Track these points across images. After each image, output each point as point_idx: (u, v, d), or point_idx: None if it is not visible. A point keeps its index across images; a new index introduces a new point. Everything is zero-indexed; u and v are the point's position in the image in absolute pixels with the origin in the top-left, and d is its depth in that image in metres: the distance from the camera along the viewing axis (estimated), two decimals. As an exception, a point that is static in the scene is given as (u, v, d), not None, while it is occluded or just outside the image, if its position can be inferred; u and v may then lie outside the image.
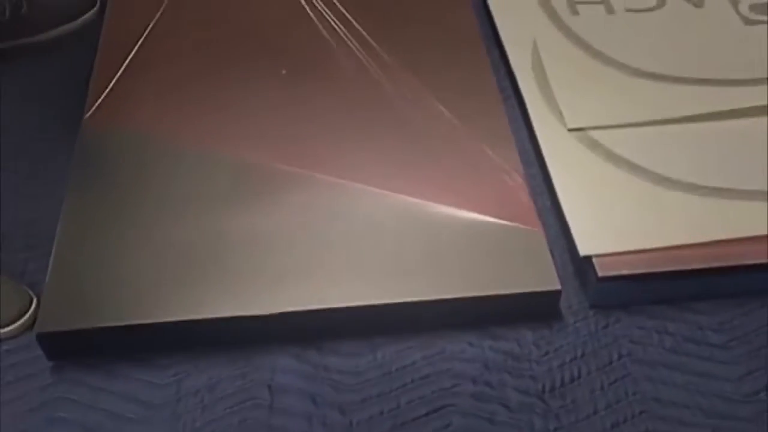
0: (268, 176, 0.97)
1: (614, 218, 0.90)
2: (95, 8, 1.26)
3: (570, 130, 1.00)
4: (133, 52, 1.14)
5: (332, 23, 1.18)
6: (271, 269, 0.86)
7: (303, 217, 0.92)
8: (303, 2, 1.22)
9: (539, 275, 0.85)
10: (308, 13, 1.21)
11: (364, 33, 1.16)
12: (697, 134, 0.99)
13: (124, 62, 1.13)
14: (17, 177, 1.04)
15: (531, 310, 0.86)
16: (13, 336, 0.86)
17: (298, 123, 1.06)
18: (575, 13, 1.17)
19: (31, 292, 0.88)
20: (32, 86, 1.18)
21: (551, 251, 0.90)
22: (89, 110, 1.07)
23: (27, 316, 0.86)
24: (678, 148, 0.97)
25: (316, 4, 1.22)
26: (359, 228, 0.91)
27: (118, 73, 1.11)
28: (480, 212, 0.92)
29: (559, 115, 1.02)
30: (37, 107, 1.14)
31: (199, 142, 1.01)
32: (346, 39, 1.16)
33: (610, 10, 1.17)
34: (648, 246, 0.86)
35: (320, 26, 1.18)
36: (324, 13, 1.20)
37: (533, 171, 1.02)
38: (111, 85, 1.10)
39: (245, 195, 0.95)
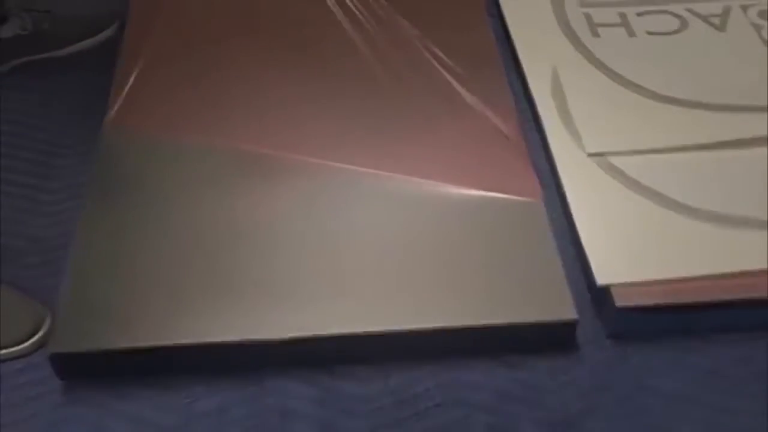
0: (269, 164, 0.99)
1: (633, 246, 0.88)
2: (115, 24, 1.27)
3: (589, 155, 0.99)
4: (148, 53, 1.15)
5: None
6: (286, 292, 0.86)
7: (309, 212, 0.93)
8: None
9: (555, 304, 0.84)
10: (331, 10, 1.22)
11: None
12: (720, 161, 0.97)
13: (141, 64, 1.14)
14: (35, 191, 1.05)
15: (547, 338, 0.85)
16: (25, 354, 0.86)
17: (305, 109, 1.06)
18: (596, 35, 1.16)
19: (45, 310, 0.89)
20: (52, 100, 1.19)
21: (568, 278, 0.89)
22: (110, 111, 1.08)
23: (41, 334, 0.87)
24: (700, 176, 0.96)
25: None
26: (370, 235, 0.91)
27: (135, 73, 1.12)
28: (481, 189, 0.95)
29: (578, 139, 1.01)
30: (57, 121, 1.16)
31: (219, 138, 1.02)
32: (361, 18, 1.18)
33: (631, 33, 1.16)
34: (668, 276, 0.85)
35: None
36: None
37: (550, 194, 1.01)
38: (130, 84, 1.11)
39: (255, 194, 0.95)
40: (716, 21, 1.17)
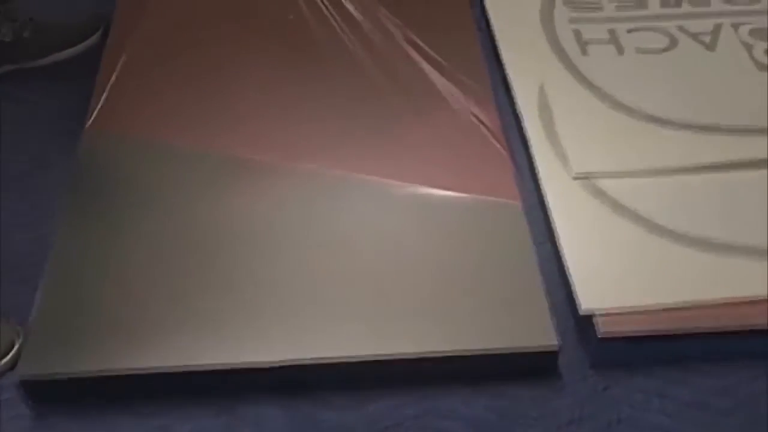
0: (251, 168, 0.98)
1: (618, 273, 0.87)
2: (99, 31, 1.25)
3: (575, 176, 0.97)
4: (123, 61, 1.14)
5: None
6: (262, 316, 0.84)
7: (287, 220, 0.93)
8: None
9: (537, 331, 0.82)
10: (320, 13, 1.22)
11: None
12: (709, 185, 0.96)
13: (120, 69, 1.13)
14: (15, 205, 1.03)
15: (528, 366, 0.83)
16: (-4, 375, 0.84)
17: (286, 112, 1.07)
18: (585, 53, 1.14)
19: (18, 329, 0.86)
20: (34, 111, 1.17)
21: (551, 301, 0.87)
22: (89, 118, 1.07)
23: (10, 355, 0.84)
24: (688, 200, 0.94)
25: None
26: (346, 248, 0.90)
27: (113, 78, 1.11)
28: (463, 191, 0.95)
29: (565, 161, 0.99)
30: (39, 133, 1.13)
31: (198, 144, 1.02)
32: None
33: (620, 51, 1.15)
34: (653, 304, 0.83)
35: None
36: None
37: (536, 215, 0.99)
38: (108, 89, 1.10)
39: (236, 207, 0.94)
40: (706, 39, 1.15)
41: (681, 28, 1.17)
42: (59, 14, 1.25)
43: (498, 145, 1.02)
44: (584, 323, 0.85)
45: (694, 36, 1.16)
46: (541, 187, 0.97)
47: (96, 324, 0.83)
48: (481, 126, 1.04)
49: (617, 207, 0.93)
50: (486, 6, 1.24)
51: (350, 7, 1.22)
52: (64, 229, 0.93)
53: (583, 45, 1.15)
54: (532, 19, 1.19)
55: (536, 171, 0.99)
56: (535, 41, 1.16)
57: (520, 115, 1.06)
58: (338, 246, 0.91)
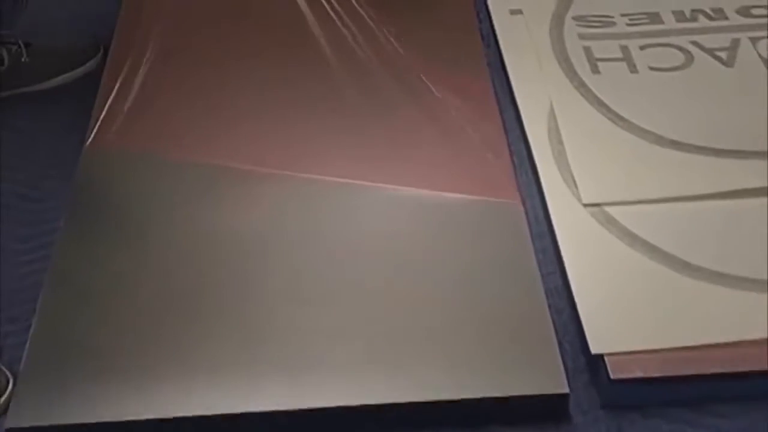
0: (250, 179, 0.98)
1: (629, 310, 0.83)
2: (98, 55, 1.23)
3: (585, 205, 0.93)
4: (123, 77, 1.13)
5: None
6: (258, 360, 0.81)
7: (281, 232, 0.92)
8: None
9: (546, 376, 0.79)
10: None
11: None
12: (727, 213, 0.91)
13: (119, 88, 1.12)
14: (9, 240, 1.00)
15: (537, 410, 0.79)
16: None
17: (292, 123, 1.07)
18: (596, 71, 1.10)
19: (8, 373, 0.84)
20: (31, 138, 1.15)
21: (560, 339, 0.83)
22: (89, 136, 1.06)
23: (2, 400, 0.82)
24: (704, 230, 0.90)
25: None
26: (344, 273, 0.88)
27: (111, 96, 1.10)
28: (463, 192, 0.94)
29: (574, 188, 0.95)
30: (36, 161, 1.11)
31: (201, 161, 1.01)
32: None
33: (633, 69, 1.10)
34: (666, 345, 0.79)
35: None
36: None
37: (545, 244, 0.96)
38: (107, 107, 1.09)
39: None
40: (723, 55, 1.11)
41: (696, 44, 1.13)
42: (56, 37, 1.24)
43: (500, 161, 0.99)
44: (595, 364, 0.81)
45: (711, 52, 1.12)
46: (550, 214, 0.94)
47: (88, 370, 0.80)
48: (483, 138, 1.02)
49: (629, 237, 0.89)
50: (494, 21, 1.20)
51: (349, 18, 1.20)
52: (58, 264, 0.91)
53: (594, 63, 1.11)
54: (541, 35, 1.16)
55: (544, 197, 0.95)
56: (545, 60, 1.12)
57: (528, 139, 1.02)
58: (339, 268, 0.89)
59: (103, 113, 1.08)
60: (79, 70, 1.20)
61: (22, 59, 1.17)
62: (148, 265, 0.90)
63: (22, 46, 1.17)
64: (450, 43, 1.16)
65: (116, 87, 1.12)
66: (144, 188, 1.00)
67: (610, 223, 0.91)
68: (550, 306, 0.87)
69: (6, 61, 1.15)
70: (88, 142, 1.06)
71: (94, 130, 1.06)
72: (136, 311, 0.85)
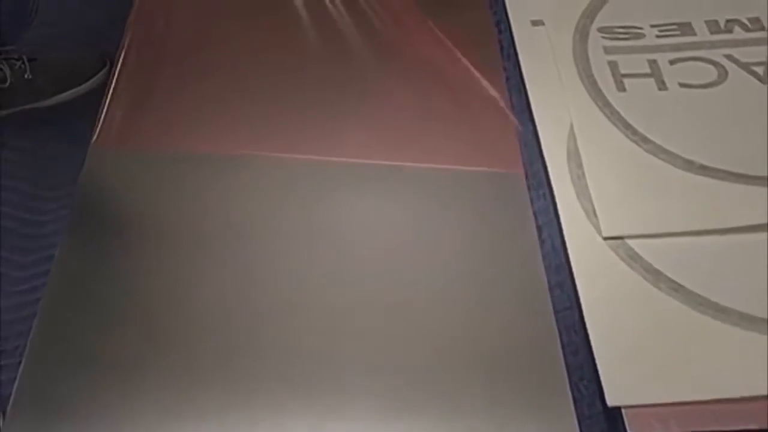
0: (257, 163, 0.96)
1: (652, 358, 0.76)
2: (104, 69, 1.20)
3: (606, 238, 0.87)
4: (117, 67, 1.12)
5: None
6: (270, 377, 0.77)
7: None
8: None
9: (557, 428, 0.73)
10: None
11: None
12: (762, 249, 0.84)
13: (127, 85, 1.10)
14: (5, 266, 0.98)
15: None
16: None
17: (295, 104, 1.05)
18: (622, 88, 1.03)
19: (-3, 413, 0.82)
20: (34, 157, 1.13)
21: (576, 382, 0.77)
22: (94, 136, 1.05)
23: (-13, 439, 0.80)
24: (736, 267, 0.83)
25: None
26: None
27: (110, 90, 1.08)
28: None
29: (594, 218, 0.89)
30: (41, 180, 1.09)
31: (211, 151, 0.99)
32: None
33: (661, 86, 1.03)
34: (691, 398, 0.73)
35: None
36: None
37: (562, 278, 0.89)
38: (107, 102, 1.07)
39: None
40: (760, 71, 1.02)
41: (731, 58, 1.05)
42: (64, 52, 1.21)
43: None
44: (612, 416, 0.75)
45: (746, 66, 1.03)
46: (567, 247, 0.87)
47: (80, 412, 0.76)
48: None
49: (653, 274, 0.83)
50: (513, 32, 1.14)
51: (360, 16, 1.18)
52: (53, 290, 0.87)
53: (619, 79, 1.04)
54: (563, 49, 1.08)
55: (561, 228, 0.89)
56: (566, 75, 1.05)
57: (545, 163, 0.96)
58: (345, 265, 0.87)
59: (108, 110, 1.06)
60: (84, 86, 1.18)
61: (26, 75, 1.14)
62: (151, 291, 0.87)
63: (26, 62, 1.14)
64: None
65: (123, 84, 1.10)
66: (153, 184, 0.97)
67: (632, 258, 0.84)
68: (565, 345, 0.82)
69: (9, 78, 1.13)
70: (93, 140, 1.04)
71: (99, 128, 1.04)
72: (134, 348, 0.81)
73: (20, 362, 0.82)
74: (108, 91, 1.10)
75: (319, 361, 0.80)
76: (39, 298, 0.92)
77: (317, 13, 1.19)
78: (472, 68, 1.10)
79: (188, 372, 0.79)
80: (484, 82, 1.08)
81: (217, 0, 1.23)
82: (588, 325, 0.80)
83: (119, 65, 1.15)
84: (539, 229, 0.93)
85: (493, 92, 1.06)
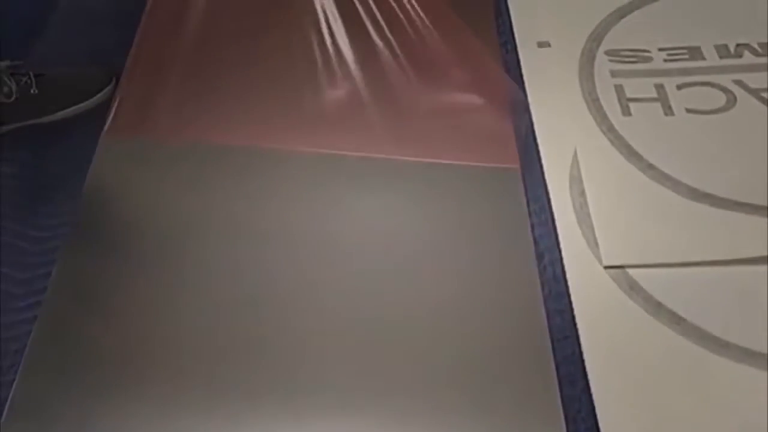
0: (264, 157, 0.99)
1: (650, 395, 0.74)
2: (110, 85, 1.20)
3: (606, 267, 0.85)
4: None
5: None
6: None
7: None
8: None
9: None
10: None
11: None
12: (764, 281, 0.82)
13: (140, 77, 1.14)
14: (4, 283, 0.98)
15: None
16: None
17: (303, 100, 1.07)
18: (627, 113, 1.01)
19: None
20: (38, 173, 1.13)
21: (573, 414, 0.76)
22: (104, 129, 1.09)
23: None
24: (741, 301, 0.81)
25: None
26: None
27: (130, 85, 1.11)
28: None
29: (595, 247, 0.87)
30: (32, 202, 1.09)
31: (224, 142, 1.01)
32: None
33: (668, 111, 1.01)
34: (688, 436, 0.71)
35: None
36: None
37: (562, 306, 0.88)
38: (119, 95, 1.11)
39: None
40: (769, 97, 1.01)
41: (740, 83, 1.03)
42: (66, 67, 1.21)
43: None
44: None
45: (755, 93, 1.02)
46: (567, 275, 0.86)
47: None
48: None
49: (653, 306, 0.81)
50: (519, 54, 1.13)
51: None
52: (50, 307, 0.87)
53: (625, 103, 1.03)
54: (569, 71, 1.07)
55: (561, 255, 0.87)
56: (571, 99, 1.03)
57: (547, 188, 0.95)
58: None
59: (120, 102, 1.10)
60: (89, 102, 1.17)
61: (32, 91, 1.14)
62: (152, 301, 0.86)
63: (32, 77, 1.14)
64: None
65: (137, 76, 1.14)
66: (163, 174, 0.99)
67: (633, 288, 0.83)
68: (562, 376, 0.80)
69: (14, 93, 1.13)
70: (104, 131, 1.08)
71: (110, 119, 1.09)
72: (134, 371, 0.80)
73: (14, 380, 0.82)
74: (122, 81, 1.14)
75: (307, 359, 0.80)
76: (36, 315, 0.91)
77: (327, 11, 1.21)
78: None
79: (194, 374, 0.79)
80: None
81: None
82: (586, 358, 0.78)
83: (130, 59, 1.17)
84: (540, 255, 0.91)
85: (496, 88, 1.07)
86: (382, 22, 1.17)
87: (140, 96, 1.11)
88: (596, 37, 1.12)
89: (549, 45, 1.12)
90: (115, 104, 1.09)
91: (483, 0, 1.23)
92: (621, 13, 1.14)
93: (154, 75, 1.14)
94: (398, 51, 1.12)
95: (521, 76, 1.12)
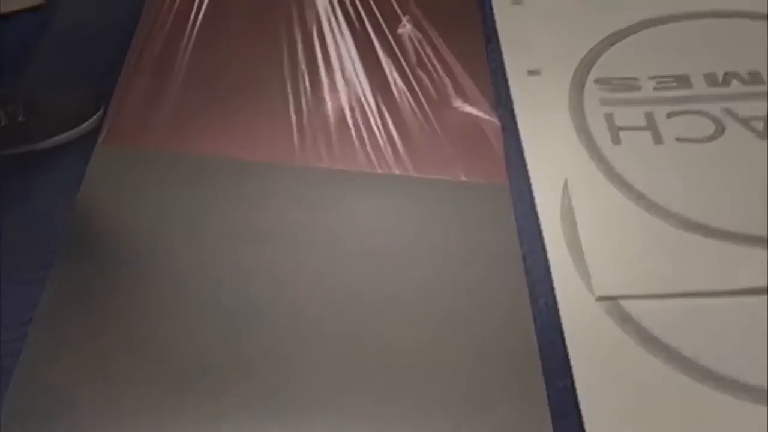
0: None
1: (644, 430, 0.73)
2: (100, 112, 1.19)
3: (599, 298, 0.85)
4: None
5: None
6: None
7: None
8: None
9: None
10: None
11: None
12: (761, 313, 0.81)
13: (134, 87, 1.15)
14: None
15: None
16: None
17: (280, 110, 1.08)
18: (617, 141, 1.01)
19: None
20: (26, 202, 1.11)
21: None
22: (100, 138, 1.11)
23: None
24: (736, 333, 0.80)
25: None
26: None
27: (125, 95, 1.12)
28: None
29: (587, 278, 0.86)
30: (29, 226, 1.07)
31: (215, 154, 1.02)
32: None
33: (657, 140, 1.01)
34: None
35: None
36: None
37: (553, 338, 0.87)
38: (119, 106, 1.11)
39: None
40: (759, 126, 1.01)
41: (729, 112, 1.03)
42: (55, 94, 1.20)
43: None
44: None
45: (744, 122, 1.02)
46: (559, 306, 0.85)
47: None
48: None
49: (646, 339, 0.80)
50: (509, 81, 1.13)
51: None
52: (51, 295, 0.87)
53: (615, 132, 1.03)
54: (559, 100, 1.07)
55: (553, 286, 0.87)
56: (561, 127, 1.03)
57: (538, 219, 0.94)
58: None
59: (115, 111, 1.12)
60: (78, 130, 1.17)
61: (19, 119, 1.13)
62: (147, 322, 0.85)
63: (20, 104, 1.13)
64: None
65: (131, 86, 1.15)
66: (156, 184, 1.00)
67: (626, 321, 0.82)
68: (554, 409, 0.79)
69: (2, 120, 1.12)
70: (99, 140, 1.10)
71: (105, 129, 1.10)
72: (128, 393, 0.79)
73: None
74: (117, 90, 1.15)
75: (294, 368, 0.80)
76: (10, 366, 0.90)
77: (317, 24, 1.23)
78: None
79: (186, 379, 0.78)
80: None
81: (225, 3, 1.28)
82: (578, 392, 0.77)
83: (126, 67, 1.19)
84: (531, 285, 0.91)
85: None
86: (373, 36, 1.20)
87: (135, 107, 1.12)
88: (586, 65, 1.12)
89: (539, 73, 1.12)
90: (110, 115, 1.11)
91: (472, 25, 1.24)
92: (610, 41, 1.15)
93: (149, 86, 1.15)
94: (387, 66, 1.15)
95: (512, 103, 1.13)
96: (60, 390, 0.79)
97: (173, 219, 0.96)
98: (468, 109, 1.08)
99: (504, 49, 1.16)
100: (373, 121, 1.07)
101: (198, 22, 1.24)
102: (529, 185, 0.98)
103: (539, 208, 0.94)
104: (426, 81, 1.13)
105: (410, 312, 0.86)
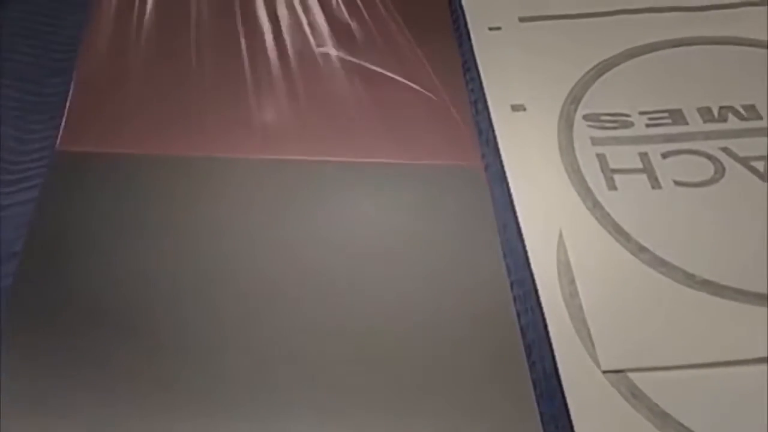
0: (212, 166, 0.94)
1: None
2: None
3: (605, 372, 0.77)
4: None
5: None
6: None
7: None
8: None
9: None
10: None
11: None
12: (778, 382, 0.76)
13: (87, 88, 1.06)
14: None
15: None
16: None
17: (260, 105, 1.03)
18: (612, 186, 0.94)
19: None
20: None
21: None
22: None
23: None
24: (755, 408, 0.73)
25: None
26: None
27: (79, 97, 1.03)
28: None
29: (590, 343, 0.80)
30: None
31: (178, 153, 0.97)
32: None
33: (655, 183, 0.94)
34: None
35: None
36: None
37: (556, 411, 0.79)
38: (67, 106, 1.01)
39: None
40: (760, 166, 0.95)
41: (727, 151, 0.97)
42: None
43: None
44: None
45: (745, 162, 0.96)
46: (561, 378, 0.78)
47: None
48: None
49: (660, 418, 0.73)
50: (492, 118, 1.05)
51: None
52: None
53: (609, 175, 0.95)
54: (547, 139, 0.99)
55: (555, 360, 0.79)
56: (552, 169, 0.96)
57: (533, 276, 0.86)
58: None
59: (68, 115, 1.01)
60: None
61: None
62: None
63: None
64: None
65: (83, 88, 1.06)
66: (119, 186, 0.93)
67: (636, 396, 0.75)
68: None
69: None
70: (56, 146, 0.99)
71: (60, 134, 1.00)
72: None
73: None
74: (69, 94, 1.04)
75: (273, 371, 0.74)
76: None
77: (280, 18, 1.15)
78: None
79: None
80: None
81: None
82: (590, 482, 0.70)
83: (78, 71, 1.08)
84: (528, 347, 0.84)
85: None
86: (331, 29, 1.13)
87: (91, 110, 1.04)
88: (573, 100, 1.05)
89: (524, 109, 1.05)
90: (65, 118, 1.02)
91: (449, 49, 1.16)
92: (597, 72, 1.08)
93: (105, 88, 1.07)
94: (352, 58, 1.09)
95: (495, 139, 1.05)
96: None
97: (137, 220, 0.90)
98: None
99: (484, 80, 1.08)
100: (331, 108, 1.02)
101: (143, 25, 1.16)
102: (521, 237, 0.91)
103: (533, 262, 0.87)
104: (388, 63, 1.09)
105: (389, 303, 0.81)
